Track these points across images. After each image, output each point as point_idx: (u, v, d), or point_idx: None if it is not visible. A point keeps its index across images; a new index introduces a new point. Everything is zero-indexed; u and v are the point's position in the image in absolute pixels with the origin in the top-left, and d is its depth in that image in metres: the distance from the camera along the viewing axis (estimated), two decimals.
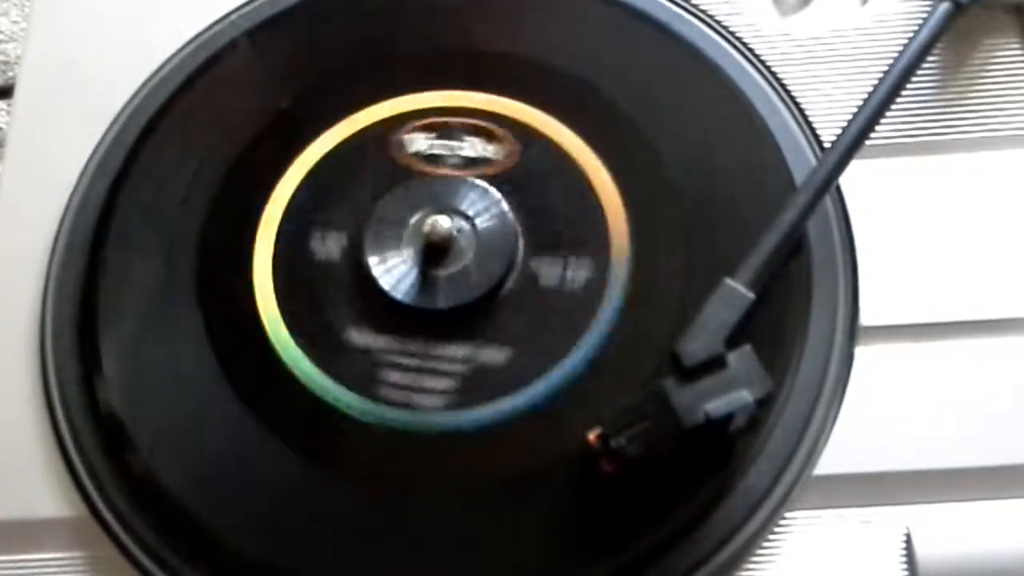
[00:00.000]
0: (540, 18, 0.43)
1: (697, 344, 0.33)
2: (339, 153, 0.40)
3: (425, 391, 0.36)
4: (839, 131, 0.37)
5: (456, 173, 0.39)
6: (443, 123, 0.40)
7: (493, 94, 0.41)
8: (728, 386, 0.33)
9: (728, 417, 0.32)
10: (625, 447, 0.32)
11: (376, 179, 0.39)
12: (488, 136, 0.40)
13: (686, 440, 0.32)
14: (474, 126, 0.40)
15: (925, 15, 0.39)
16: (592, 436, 0.33)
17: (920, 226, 0.39)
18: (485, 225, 0.38)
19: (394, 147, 0.40)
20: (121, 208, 0.40)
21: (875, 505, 0.35)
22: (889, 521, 0.35)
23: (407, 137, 0.40)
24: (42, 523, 0.37)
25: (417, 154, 0.40)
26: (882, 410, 0.36)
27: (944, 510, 0.35)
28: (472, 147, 0.40)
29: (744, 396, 0.32)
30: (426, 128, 0.40)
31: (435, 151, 0.40)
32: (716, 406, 0.32)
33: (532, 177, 0.39)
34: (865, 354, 0.37)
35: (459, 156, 0.39)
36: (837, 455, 0.36)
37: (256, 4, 0.44)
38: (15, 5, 0.48)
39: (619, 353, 0.36)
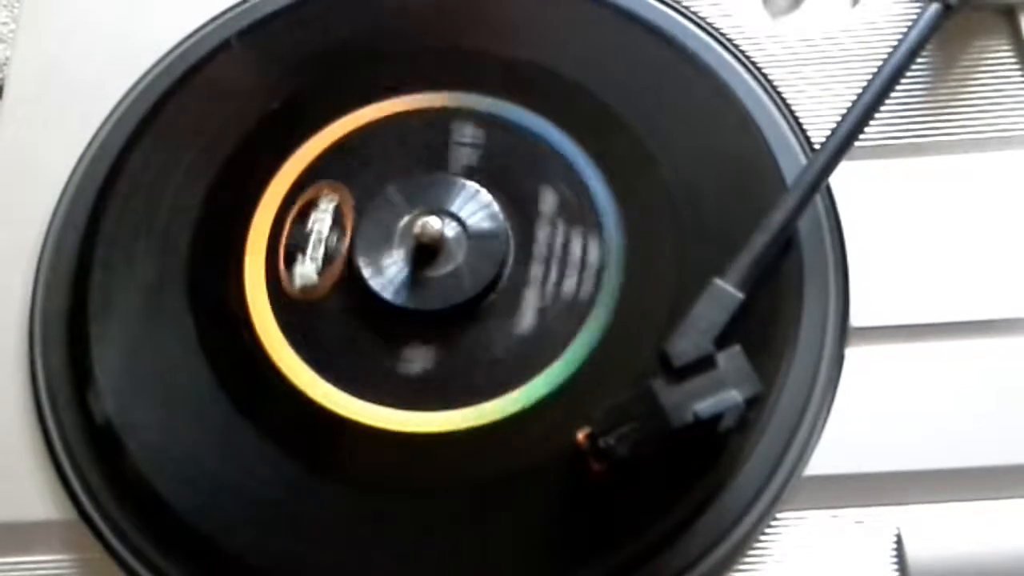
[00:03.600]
0: (531, 19, 0.43)
1: (686, 344, 0.33)
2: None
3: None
4: (829, 132, 0.37)
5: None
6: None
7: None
8: (717, 386, 0.32)
9: (717, 417, 0.32)
10: (614, 447, 0.32)
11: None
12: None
13: (675, 440, 0.32)
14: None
15: (915, 17, 0.39)
16: (581, 436, 0.33)
17: (910, 227, 0.39)
18: (476, 227, 0.38)
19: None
20: (111, 211, 0.40)
21: (866, 505, 0.35)
22: (880, 521, 0.35)
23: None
24: (32, 526, 0.36)
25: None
26: (872, 411, 0.36)
27: (935, 510, 0.35)
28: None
29: (733, 396, 0.32)
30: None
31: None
32: (705, 406, 0.32)
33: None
34: (855, 355, 0.37)
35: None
36: (828, 456, 0.36)
37: (245, 6, 0.44)
38: (4, 7, 0.48)
39: (610, 354, 0.36)
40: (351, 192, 0.39)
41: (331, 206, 0.39)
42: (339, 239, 0.39)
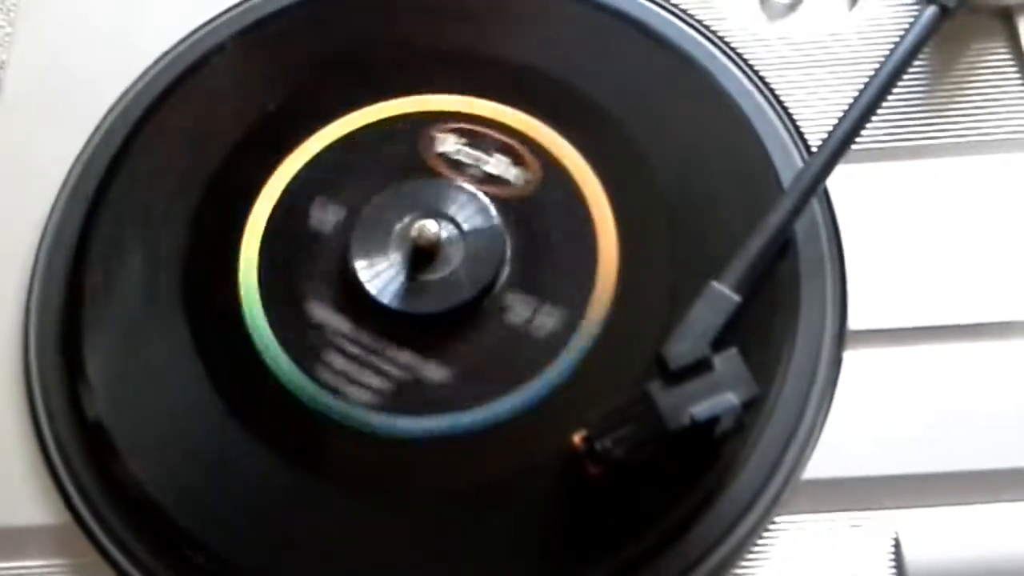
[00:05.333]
0: (526, 22, 0.43)
1: (683, 347, 0.33)
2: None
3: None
4: (826, 135, 0.37)
5: (469, 185, 0.39)
6: (479, 132, 0.40)
7: (496, 101, 0.41)
8: (714, 389, 0.32)
9: (714, 420, 0.32)
10: (610, 449, 0.32)
11: (386, 171, 0.39)
12: (516, 159, 0.39)
13: (672, 443, 0.32)
14: (505, 144, 0.40)
15: (913, 19, 0.39)
16: (577, 439, 0.33)
17: (908, 230, 0.39)
18: (472, 230, 0.38)
19: (424, 141, 0.40)
20: (106, 213, 0.40)
21: (864, 509, 0.35)
22: (878, 525, 0.35)
23: (439, 136, 0.40)
24: (25, 530, 0.36)
25: (443, 155, 0.40)
26: (871, 414, 0.36)
27: (932, 514, 0.35)
28: (497, 165, 0.39)
29: (730, 398, 0.32)
30: (459, 132, 0.40)
31: (460, 157, 0.39)
32: (701, 408, 0.32)
33: (540, 213, 0.39)
34: (853, 358, 0.37)
35: (481, 169, 0.39)
36: (826, 459, 0.36)
37: (243, 7, 0.44)
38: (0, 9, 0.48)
39: (606, 357, 0.36)
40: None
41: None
42: None
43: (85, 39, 0.44)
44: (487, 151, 0.40)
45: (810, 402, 0.36)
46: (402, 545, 0.35)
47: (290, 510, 0.35)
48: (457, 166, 0.39)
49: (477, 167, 0.39)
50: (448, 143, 0.40)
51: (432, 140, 0.40)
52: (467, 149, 0.40)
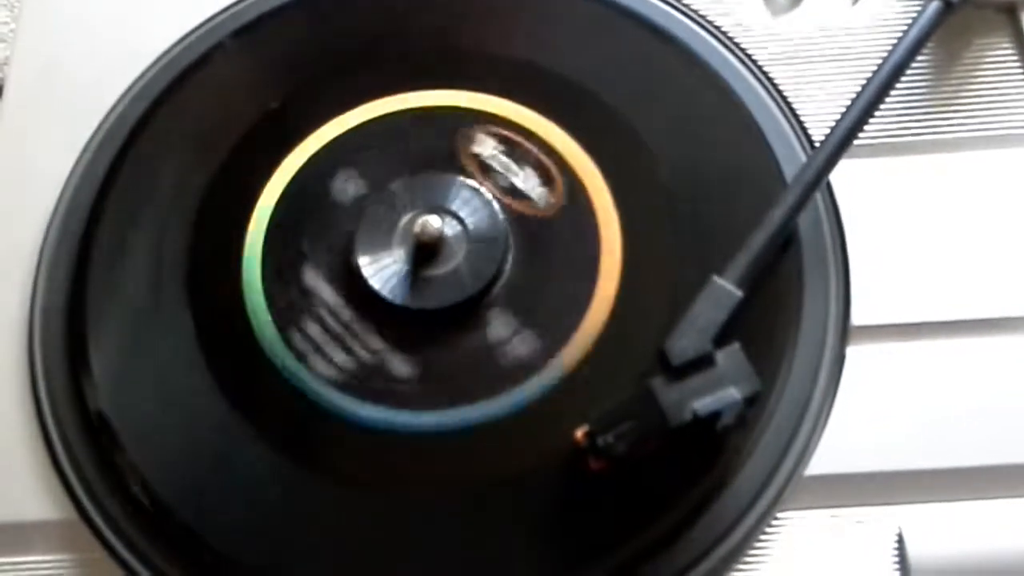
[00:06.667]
0: (531, 18, 0.43)
1: (685, 342, 0.33)
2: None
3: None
4: (829, 130, 0.37)
5: (489, 191, 0.39)
6: (517, 142, 0.40)
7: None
8: (716, 384, 0.32)
9: (716, 415, 0.32)
10: (613, 445, 0.32)
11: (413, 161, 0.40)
12: (546, 177, 0.39)
13: (674, 438, 0.32)
14: (540, 161, 0.39)
15: (915, 14, 0.39)
16: (580, 434, 0.33)
17: (912, 225, 0.39)
18: (475, 225, 0.38)
19: (460, 139, 0.40)
20: (109, 210, 0.40)
21: (867, 505, 0.35)
22: (881, 521, 0.35)
23: (480, 136, 0.40)
24: (30, 526, 0.36)
25: (477, 156, 0.39)
26: (874, 410, 0.36)
27: (936, 510, 0.35)
28: (525, 180, 0.39)
29: (732, 394, 0.32)
30: (500, 138, 0.40)
31: (493, 163, 0.39)
32: (703, 404, 0.32)
33: (552, 238, 0.38)
34: (857, 353, 0.37)
35: (508, 180, 0.39)
36: (829, 455, 0.35)
37: (243, 5, 0.44)
38: (3, 6, 0.48)
39: (609, 352, 0.36)
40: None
41: None
42: None
43: (88, 38, 0.44)
44: (520, 163, 0.40)
45: (813, 398, 0.36)
46: (401, 541, 0.35)
47: (293, 507, 0.35)
48: (486, 170, 0.39)
49: (505, 176, 0.39)
50: (486, 145, 0.40)
51: (471, 139, 0.40)
52: (502, 157, 0.39)
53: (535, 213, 0.39)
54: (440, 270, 0.37)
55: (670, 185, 0.39)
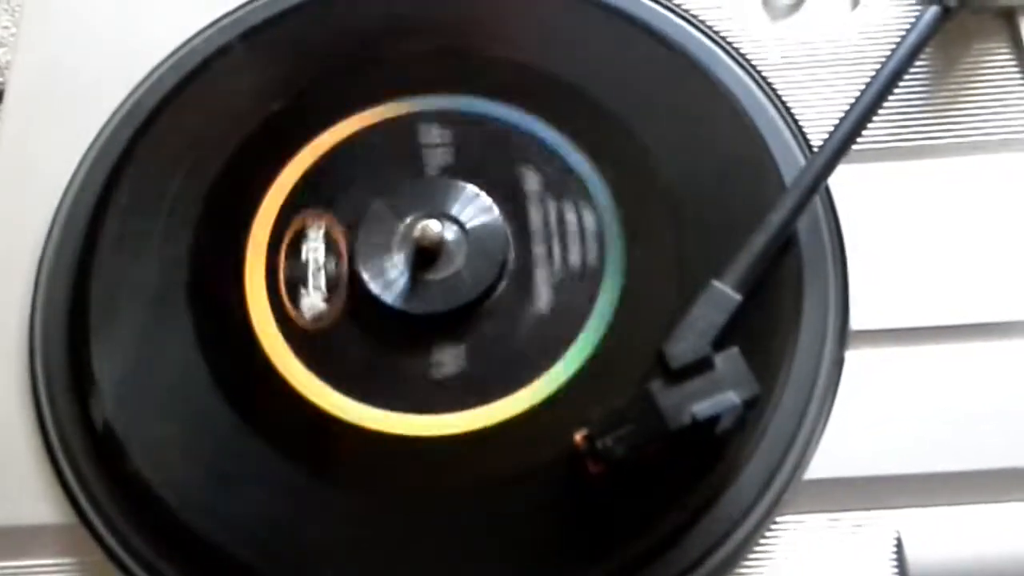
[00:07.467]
0: (528, 22, 0.43)
1: (684, 346, 0.33)
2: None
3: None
4: (828, 134, 0.37)
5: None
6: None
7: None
8: (715, 388, 0.32)
9: (715, 419, 0.32)
10: (612, 448, 0.32)
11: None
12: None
13: (673, 442, 0.32)
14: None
15: (914, 19, 0.39)
16: (579, 437, 0.33)
17: (910, 230, 0.39)
18: (475, 229, 0.38)
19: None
20: (111, 214, 0.40)
21: (866, 509, 0.35)
22: (880, 525, 0.35)
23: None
24: (31, 530, 0.36)
25: None
26: (872, 414, 0.36)
27: (935, 514, 0.35)
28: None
29: (731, 397, 0.32)
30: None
31: None
32: (702, 407, 0.32)
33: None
34: (855, 358, 0.37)
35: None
36: (828, 459, 0.36)
37: (247, 9, 0.44)
38: (5, 10, 0.48)
39: (609, 356, 0.36)
40: (340, 211, 0.39)
41: (320, 234, 0.39)
42: (336, 264, 0.39)
43: (89, 42, 0.44)
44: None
45: (812, 402, 0.36)
46: (402, 543, 0.35)
47: (297, 511, 0.35)
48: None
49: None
50: None
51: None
52: None
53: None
54: (440, 274, 0.38)
55: (669, 189, 0.39)
